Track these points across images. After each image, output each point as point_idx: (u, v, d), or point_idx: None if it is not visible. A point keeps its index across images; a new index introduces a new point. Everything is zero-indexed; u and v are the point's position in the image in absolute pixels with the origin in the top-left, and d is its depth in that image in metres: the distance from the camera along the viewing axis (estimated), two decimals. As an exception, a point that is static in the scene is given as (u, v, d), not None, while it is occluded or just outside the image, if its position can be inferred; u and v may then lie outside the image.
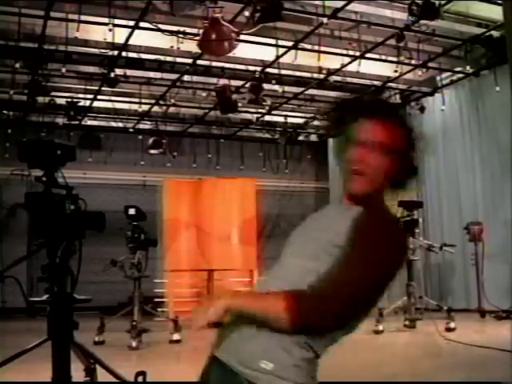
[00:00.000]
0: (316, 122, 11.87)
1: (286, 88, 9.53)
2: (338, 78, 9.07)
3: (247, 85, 8.88)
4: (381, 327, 6.35)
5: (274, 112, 10.79)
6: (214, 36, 6.51)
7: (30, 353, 2.86)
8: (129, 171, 11.36)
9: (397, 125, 1.55)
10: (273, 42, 7.67)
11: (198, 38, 6.81)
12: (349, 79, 9.16)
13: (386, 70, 8.97)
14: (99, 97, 9.57)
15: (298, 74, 8.97)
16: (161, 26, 6.95)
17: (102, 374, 2.90)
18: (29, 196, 2.76)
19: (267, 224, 11.23)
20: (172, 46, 7.52)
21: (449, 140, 9.44)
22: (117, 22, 6.86)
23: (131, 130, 11.17)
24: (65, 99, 9.36)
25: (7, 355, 2.82)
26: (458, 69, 8.95)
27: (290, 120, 11.60)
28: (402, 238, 1.60)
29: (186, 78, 8.96)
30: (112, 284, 9.28)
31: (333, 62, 8.46)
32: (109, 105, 10.24)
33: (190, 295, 9.10)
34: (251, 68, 8.59)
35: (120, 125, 11.15)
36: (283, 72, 8.74)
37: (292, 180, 12.68)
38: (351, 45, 8.04)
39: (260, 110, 10.48)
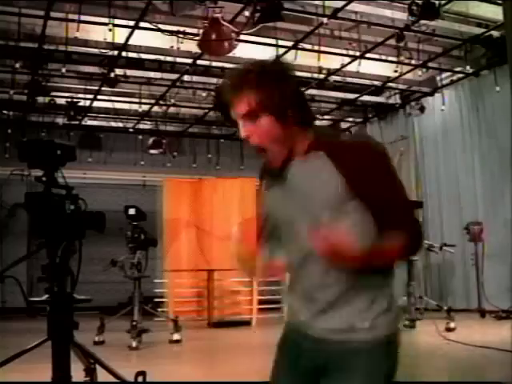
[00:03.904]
0: (316, 122, 11.85)
1: (286, 88, 9.51)
2: (338, 78, 9.08)
3: (247, 85, 8.87)
4: (381, 327, 6.34)
5: (274, 112, 10.77)
6: (214, 36, 6.52)
7: (29, 353, 2.86)
8: (129, 171, 11.36)
9: (250, 83, 1.51)
10: (273, 41, 7.66)
11: (197, 38, 6.81)
12: (349, 79, 9.16)
13: (386, 70, 8.97)
14: (99, 97, 9.57)
15: (298, 73, 8.94)
16: (161, 26, 6.96)
17: (102, 374, 2.90)
18: (29, 196, 2.76)
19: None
20: (172, 46, 7.52)
21: (449, 140, 9.44)
22: (117, 22, 6.86)
23: (131, 130, 11.17)
24: (65, 99, 9.36)
25: (7, 355, 2.81)
26: (458, 69, 8.96)
27: (289, 120, 11.58)
28: (372, 141, 1.60)
29: (185, 77, 8.96)
30: (112, 284, 9.30)
31: (333, 62, 8.46)
32: (109, 105, 10.24)
33: (190, 295, 9.10)
34: (251, 68, 8.57)
35: (120, 125, 11.15)
36: (283, 72, 8.73)
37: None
38: (351, 45, 8.05)
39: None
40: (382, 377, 1.51)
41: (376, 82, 9.49)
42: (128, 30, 7.13)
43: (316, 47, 7.81)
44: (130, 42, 7.45)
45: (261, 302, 8.56)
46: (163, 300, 8.77)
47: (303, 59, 8.17)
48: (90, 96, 9.49)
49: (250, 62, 1.59)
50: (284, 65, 1.67)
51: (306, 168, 1.55)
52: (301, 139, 1.58)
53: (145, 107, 10.28)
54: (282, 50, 7.93)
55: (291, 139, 1.57)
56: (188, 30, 7.12)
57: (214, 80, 9.01)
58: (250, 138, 1.55)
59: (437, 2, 6.54)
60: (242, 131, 1.55)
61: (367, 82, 9.46)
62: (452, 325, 6.27)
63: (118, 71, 8.40)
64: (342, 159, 1.50)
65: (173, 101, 9.83)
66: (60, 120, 10.27)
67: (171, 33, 7.10)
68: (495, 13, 6.93)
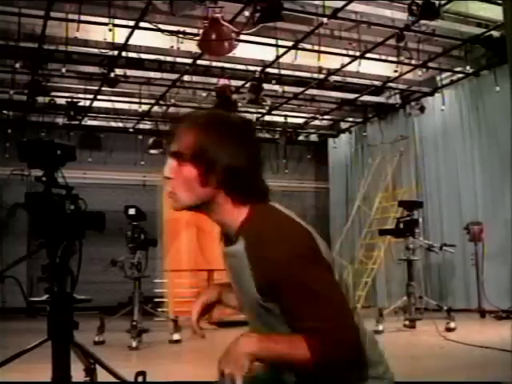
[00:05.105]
0: (316, 122, 11.89)
1: (286, 88, 9.53)
2: (338, 78, 9.08)
3: (247, 85, 8.89)
4: (381, 327, 6.35)
5: (273, 112, 10.79)
6: (213, 36, 6.51)
7: (30, 353, 2.86)
8: (129, 171, 11.36)
9: (194, 126, 1.43)
10: (273, 41, 7.67)
11: (198, 37, 6.81)
12: (349, 79, 9.16)
13: (386, 70, 8.97)
14: (99, 97, 9.57)
15: (298, 73, 8.98)
16: (161, 26, 6.96)
17: (101, 374, 2.90)
18: (29, 196, 2.76)
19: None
20: (172, 46, 7.53)
21: (449, 140, 9.44)
22: (117, 22, 6.86)
23: (131, 129, 11.17)
24: (65, 99, 9.37)
25: (7, 355, 2.81)
26: (458, 69, 8.96)
27: (289, 120, 11.60)
28: (291, 227, 1.35)
29: (186, 77, 8.96)
30: (112, 284, 9.29)
31: (333, 62, 8.47)
32: (109, 105, 10.25)
33: (190, 295, 9.08)
34: (251, 68, 8.59)
35: (120, 125, 11.15)
36: (283, 72, 8.74)
37: (292, 180, 12.68)
38: (351, 45, 8.05)
39: (260, 110, 10.48)
40: None
41: (376, 82, 9.50)
42: (128, 30, 7.14)
43: (316, 47, 7.81)
44: (130, 42, 7.45)
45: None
46: (163, 300, 8.76)
47: (303, 59, 8.18)
48: (90, 96, 9.49)
49: (218, 111, 1.49)
50: (250, 127, 1.52)
51: (234, 255, 1.44)
52: (235, 213, 1.42)
53: (145, 107, 10.28)
54: (281, 50, 7.94)
55: (215, 208, 1.44)
56: (188, 29, 7.12)
57: (213, 80, 9.02)
58: (170, 180, 1.51)
59: (437, 2, 6.54)
60: (166, 169, 1.50)
61: (367, 81, 9.47)
62: (452, 325, 6.26)
63: (118, 71, 8.40)
64: (253, 257, 1.35)
65: (173, 101, 9.83)
66: (60, 120, 10.28)
67: (171, 33, 7.10)
68: (495, 13, 6.93)
